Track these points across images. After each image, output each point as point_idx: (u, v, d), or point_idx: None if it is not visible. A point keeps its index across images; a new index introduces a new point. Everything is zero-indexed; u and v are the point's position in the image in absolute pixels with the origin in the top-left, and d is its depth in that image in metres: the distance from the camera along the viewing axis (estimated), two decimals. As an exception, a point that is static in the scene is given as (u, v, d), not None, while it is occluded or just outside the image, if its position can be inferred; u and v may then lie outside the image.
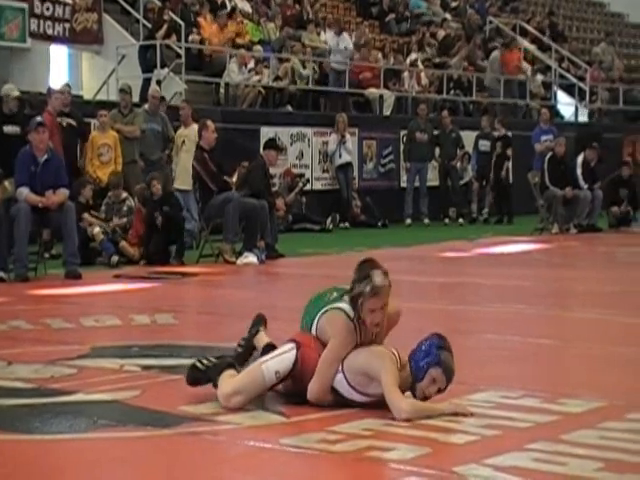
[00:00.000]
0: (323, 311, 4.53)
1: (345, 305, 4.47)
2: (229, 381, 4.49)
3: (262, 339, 4.90)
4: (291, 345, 4.52)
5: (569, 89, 23.82)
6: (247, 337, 4.95)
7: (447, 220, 17.86)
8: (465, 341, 6.45)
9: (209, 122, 11.69)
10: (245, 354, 4.90)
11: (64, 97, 12.58)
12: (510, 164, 18.08)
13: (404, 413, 4.22)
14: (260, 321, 5.04)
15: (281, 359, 4.48)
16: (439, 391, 4.37)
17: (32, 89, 13.96)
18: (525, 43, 24.31)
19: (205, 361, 4.62)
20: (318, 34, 19.90)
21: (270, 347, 4.74)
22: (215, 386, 4.52)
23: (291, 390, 4.58)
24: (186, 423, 4.21)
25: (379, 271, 4.40)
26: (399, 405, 4.24)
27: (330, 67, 18.80)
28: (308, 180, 16.91)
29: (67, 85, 13.40)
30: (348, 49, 19.09)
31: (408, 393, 4.41)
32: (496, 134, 18.03)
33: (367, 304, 4.37)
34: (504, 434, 4.08)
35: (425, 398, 4.37)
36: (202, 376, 4.59)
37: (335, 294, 4.61)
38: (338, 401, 4.46)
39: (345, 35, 19.35)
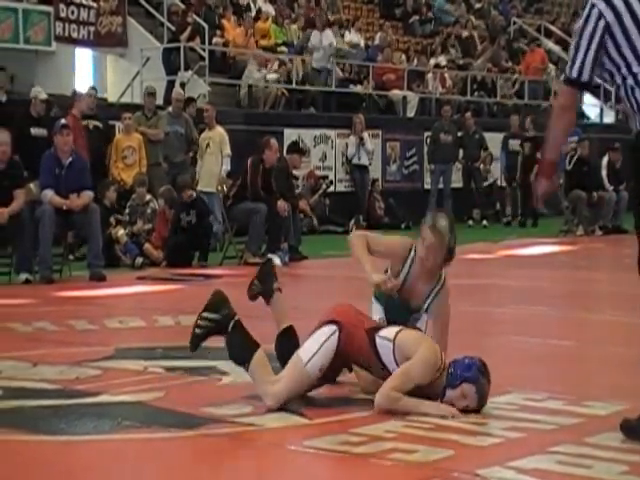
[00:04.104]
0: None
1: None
2: (273, 386, 4.42)
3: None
4: (332, 329, 4.48)
5: (594, 90, 23.67)
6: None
7: (471, 222, 17.81)
8: (488, 343, 6.44)
9: (273, 141, 11.70)
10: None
11: (91, 100, 12.66)
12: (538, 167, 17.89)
13: (379, 401, 4.31)
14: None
15: (324, 352, 4.45)
16: (466, 407, 4.37)
17: (57, 92, 14.04)
18: (550, 44, 24.21)
19: (201, 323, 4.55)
20: (341, 36, 19.91)
21: (288, 332, 4.70)
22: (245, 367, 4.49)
23: (328, 369, 4.54)
24: (209, 424, 4.22)
25: (443, 217, 4.88)
26: (384, 391, 4.31)
27: (311, 67, 18.14)
28: (331, 182, 16.92)
29: (93, 88, 13.50)
30: (332, 46, 18.32)
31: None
32: (525, 135, 17.89)
33: (422, 232, 4.77)
34: (528, 436, 4.06)
35: (451, 404, 4.39)
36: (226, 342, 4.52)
37: None
38: (375, 367, 4.49)
39: (328, 32, 18.52)
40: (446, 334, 4.90)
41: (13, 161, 9.74)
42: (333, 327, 4.50)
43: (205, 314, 4.55)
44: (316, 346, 4.48)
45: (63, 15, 15.88)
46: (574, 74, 3.92)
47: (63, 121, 10.42)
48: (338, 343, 4.47)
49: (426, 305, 4.90)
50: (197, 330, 4.56)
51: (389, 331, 4.56)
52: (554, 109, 3.97)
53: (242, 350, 4.49)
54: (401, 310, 4.93)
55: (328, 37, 18.29)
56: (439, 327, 4.88)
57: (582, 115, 22.60)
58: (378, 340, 4.50)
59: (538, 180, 4.12)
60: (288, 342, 4.75)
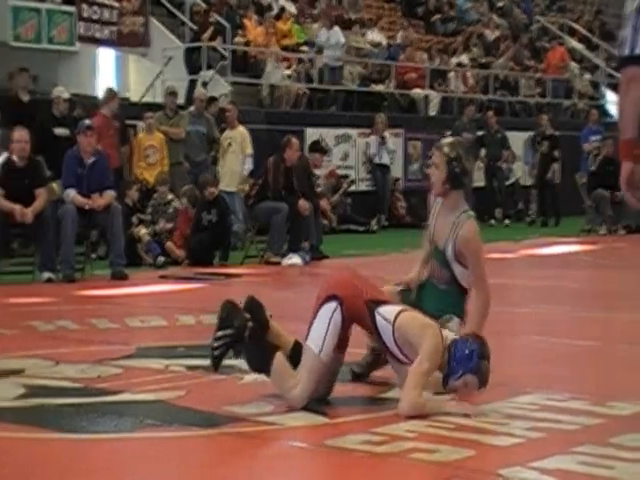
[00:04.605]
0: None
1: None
2: (295, 389, 4.40)
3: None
4: (332, 306, 4.44)
5: (618, 88, 23.50)
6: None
7: (493, 221, 17.74)
8: (510, 343, 6.41)
9: (294, 140, 11.71)
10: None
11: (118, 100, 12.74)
12: (558, 165, 17.81)
13: (406, 410, 4.25)
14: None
15: (332, 331, 4.42)
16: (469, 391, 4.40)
17: (79, 92, 14.11)
18: (573, 42, 24.08)
19: (217, 344, 4.51)
20: (363, 35, 19.89)
21: (299, 348, 4.60)
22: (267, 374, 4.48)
23: (341, 340, 4.51)
24: (230, 423, 4.22)
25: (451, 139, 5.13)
26: (410, 398, 4.25)
27: (324, 63, 17.97)
28: (353, 181, 16.90)
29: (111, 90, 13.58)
30: (339, 44, 18.16)
31: (438, 374, 4.41)
32: (544, 133, 17.79)
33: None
34: (550, 437, 4.04)
35: (453, 391, 4.42)
36: (254, 361, 4.48)
37: None
38: (377, 341, 4.51)
39: (336, 29, 18.34)
40: (478, 268, 4.83)
41: (34, 160, 9.79)
42: (333, 304, 4.45)
43: (219, 333, 4.53)
44: (323, 330, 4.45)
45: (86, 15, 15.95)
46: (638, 50, 3.80)
47: (87, 122, 10.47)
48: (342, 318, 4.45)
49: (448, 241, 4.86)
50: (215, 352, 4.53)
51: (389, 310, 4.49)
52: (620, 88, 3.86)
53: (261, 358, 4.49)
54: (435, 256, 4.94)
55: (336, 34, 18.15)
56: (471, 266, 4.83)
57: (605, 113, 22.47)
58: (378, 318, 4.48)
59: (622, 164, 3.97)
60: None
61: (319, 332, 4.46)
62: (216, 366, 4.57)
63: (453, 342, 4.43)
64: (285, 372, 4.47)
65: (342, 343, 4.53)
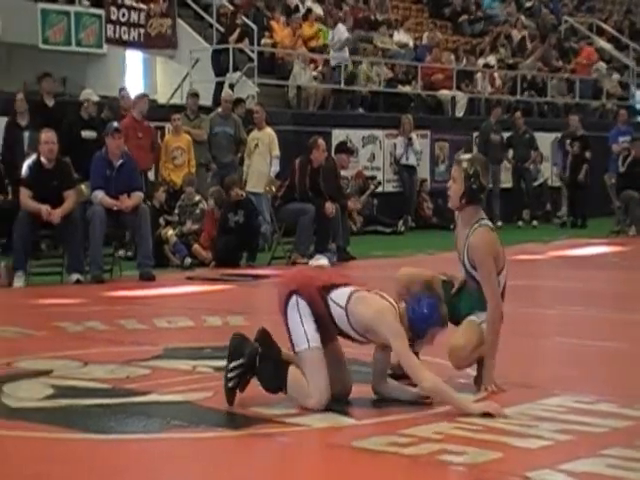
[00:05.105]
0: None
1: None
2: (310, 398, 4.42)
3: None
4: (293, 300, 4.50)
5: None
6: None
7: (520, 222, 17.66)
8: (537, 344, 6.38)
9: (320, 141, 11.72)
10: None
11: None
12: (587, 166, 17.59)
13: (427, 383, 4.32)
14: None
15: (308, 320, 4.47)
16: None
17: (107, 94, 14.19)
18: (601, 42, 23.93)
19: (230, 375, 4.48)
20: (390, 36, 19.87)
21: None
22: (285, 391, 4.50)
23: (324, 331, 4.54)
24: (257, 424, 4.23)
25: (469, 154, 5.31)
26: (422, 375, 4.34)
27: (330, 64, 17.75)
28: (380, 182, 16.88)
29: (123, 89, 13.64)
30: (342, 40, 17.87)
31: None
32: (575, 133, 17.64)
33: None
34: (578, 439, 4.01)
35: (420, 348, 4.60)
36: (271, 386, 4.52)
37: None
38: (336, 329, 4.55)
39: (340, 26, 18.09)
40: (483, 273, 4.81)
41: (62, 162, 9.86)
42: (293, 299, 4.52)
43: (231, 365, 4.50)
44: (299, 326, 4.49)
45: (114, 18, 16.04)
46: None
47: (115, 124, 10.52)
48: (307, 303, 4.49)
49: (464, 252, 4.89)
50: (230, 384, 4.50)
51: (340, 294, 4.52)
52: None
53: (274, 379, 4.49)
54: (462, 266, 4.97)
55: (339, 31, 17.98)
56: (478, 271, 4.84)
57: (635, 113, 22.31)
58: (331, 304, 4.51)
59: None
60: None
61: (297, 331, 4.50)
62: (230, 398, 4.51)
63: (408, 306, 4.50)
64: (301, 380, 4.47)
65: (327, 333, 4.53)
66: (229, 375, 4.51)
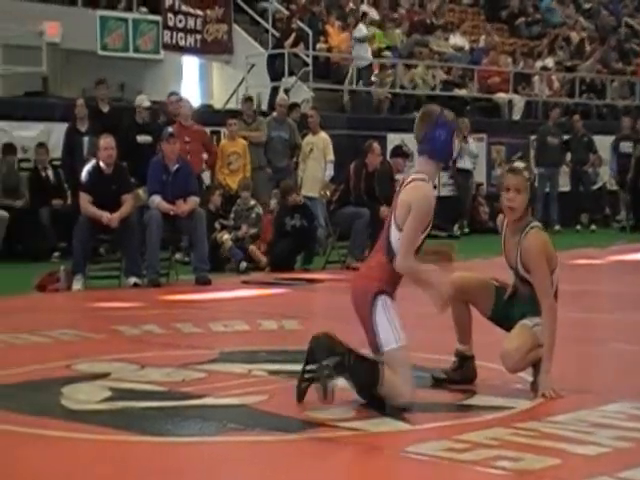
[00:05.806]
0: None
1: None
2: (396, 382, 4.48)
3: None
4: (382, 300, 4.57)
5: None
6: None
7: (579, 226, 17.44)
8: (595, 350, 6.29)
9: (375, 145, 11.73)
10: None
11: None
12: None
13: (402, 262, 4.61)
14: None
15: (395, 318, 4.54)
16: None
17: (165, 99, 14.34)
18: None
19: (325, 372, 4.47)
20: (446, 39, 19.79)
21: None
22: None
23: None
24: (311, 429, 4.23)
25: (521, 164, 5.01)
26: (408, 255, 4.65)
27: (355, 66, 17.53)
28: (435, 186, 16.77)
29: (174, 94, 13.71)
30: (359, 39, 17.58)
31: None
32: (637, 136, 17.37)
33: (504, 180, 4.88)
34: (637, 446, 3.95)
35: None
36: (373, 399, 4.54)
37: None
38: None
39: (360, 26, 17.79)
40: (538, 275, 4.78)
41: (120, 166, 9.97)
42: (382, 298, 4.57)
43: (325, 362, 4.46)
44: (387, 325, 4.53)
45: (171, 24, 16.22)
46: None
47: (170, 129, 10.62)
48: (391, 299, 4.59)
49: (517, 258, 4.85)
50: (322, 381, 4.45)
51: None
52: None
53: (370, 376, 4.49)
54: (514, 275, 4.94)
55: (359, 31, 17.76)
56: (532, 273, 4.79)
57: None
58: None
59: None
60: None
61: (386, 330, 4.53)
62: (302, 396, 4.57)
63: (428, 134, 4.66)
64: (393, 379, 4.48)
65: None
66: (310, 375, 4.51)
